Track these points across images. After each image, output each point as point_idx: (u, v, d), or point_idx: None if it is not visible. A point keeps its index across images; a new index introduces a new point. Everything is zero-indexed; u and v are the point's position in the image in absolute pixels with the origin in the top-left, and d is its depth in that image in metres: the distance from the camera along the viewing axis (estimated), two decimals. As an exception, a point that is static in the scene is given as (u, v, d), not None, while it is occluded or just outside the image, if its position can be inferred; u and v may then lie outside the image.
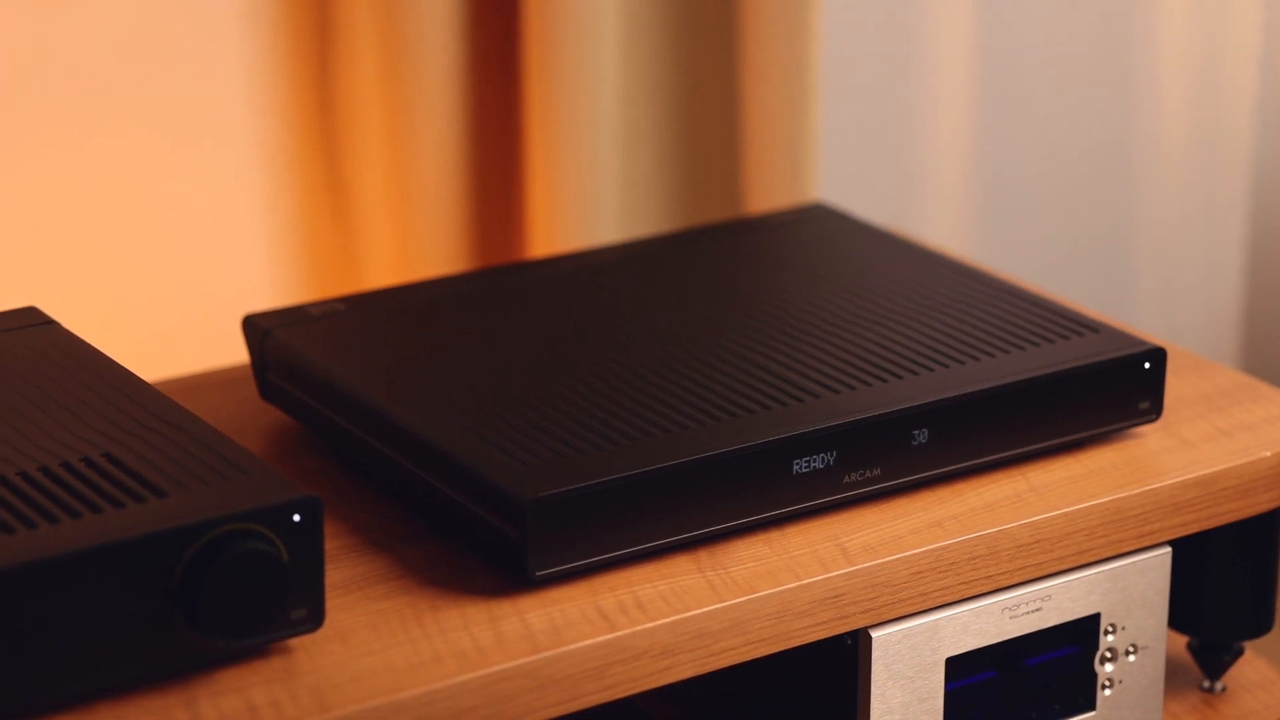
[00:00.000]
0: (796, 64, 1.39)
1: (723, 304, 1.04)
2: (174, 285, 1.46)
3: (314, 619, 0.84)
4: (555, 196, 1.40)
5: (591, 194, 1.40)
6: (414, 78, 1.39)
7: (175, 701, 0.81)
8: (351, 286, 1.49)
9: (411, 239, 1.44)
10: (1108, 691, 0.99)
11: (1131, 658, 0.99)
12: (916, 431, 0.94)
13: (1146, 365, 1.00)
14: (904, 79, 1.55)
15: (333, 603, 0.87)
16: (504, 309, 1.05)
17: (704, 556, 0.91)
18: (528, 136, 1.42)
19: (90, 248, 1.43)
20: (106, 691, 0.80)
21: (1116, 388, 0.99)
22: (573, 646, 0.85)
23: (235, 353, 1.36)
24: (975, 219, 1.61)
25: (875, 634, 0.91)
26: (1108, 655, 0.99)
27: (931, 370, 0.97)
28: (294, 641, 0.84)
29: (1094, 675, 0.99)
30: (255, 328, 1.02)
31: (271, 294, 1.47)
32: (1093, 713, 0.99)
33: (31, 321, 0.98)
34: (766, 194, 1.43)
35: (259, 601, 0.82)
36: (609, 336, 1.01)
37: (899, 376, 0.96)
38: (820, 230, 1.14)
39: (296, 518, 0.83)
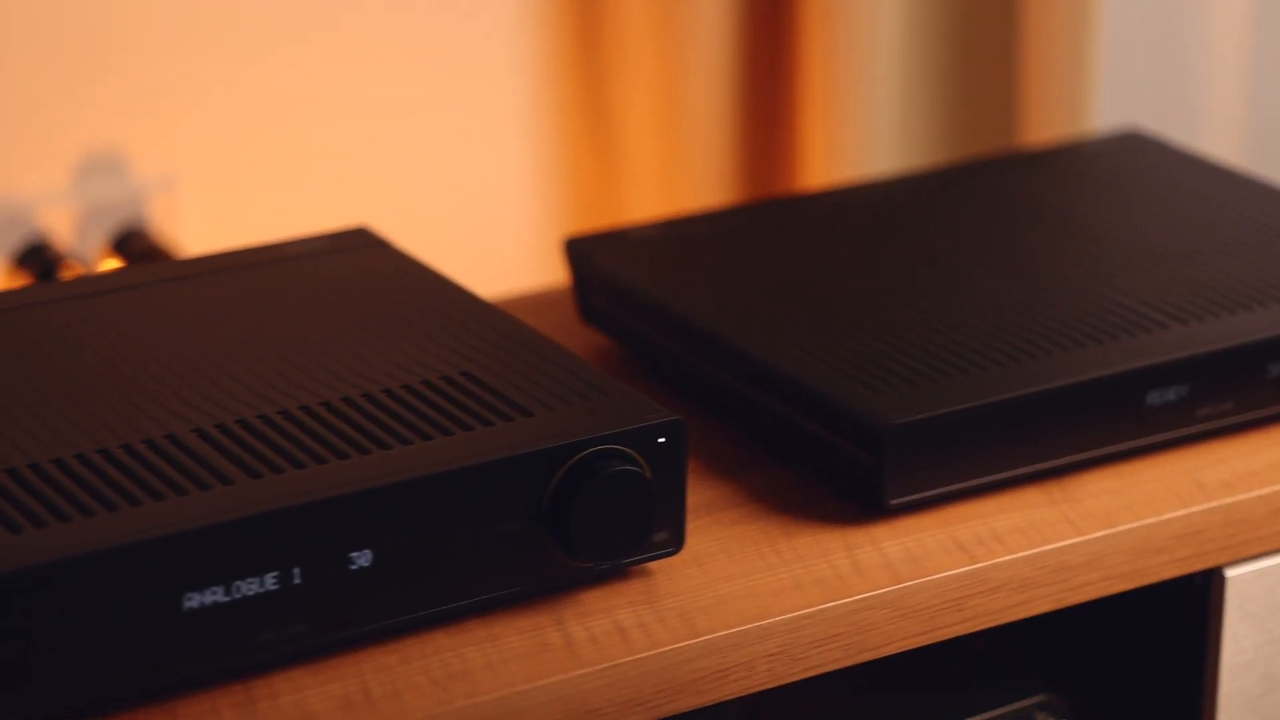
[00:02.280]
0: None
1: (1050, 232, 1.02)
2: (435, 213, 1.46)
3: (675, 542, 0.84)
4: (832, 126, 1.39)
5: (869, 123, 1.38)
6: (686, 3, 1.38)
7: (545, 621, 0.81)
8: (614, 216, 1.48)
9: (678, 168, 1.43)
10: None
11: None
12: (1272, 364, 0.91)
13: None
14: (1182, 3, 1.52)
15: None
16: (821, 235, 1.04)
17: (1055, 489, 0.89)
18: (804, 65, 1.40)
19: (364, 176, 1.43)
20: (478, 608, 0.80)
21: None
22: (933, 577, 0.84)
23: (504, 279, 1.36)
24: (1253, 146, 1.57)
25: (1229, 573, 0.89)
26: None
27: None
28: (653, 565, 0.84)
29: None
30: (578, 250, 1.02)
31: (533, 223, 1.47)
32: None
33: (364, 242, 0.99)
34: (1044, 123, 1.40)
35: (626, 523, 0.81)
36: (938, 263, 0.99)
37: (1248, 308, 0.94)
38: (1139, 158, 1.11)
39: (662, 440, 0.82)
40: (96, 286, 0.95)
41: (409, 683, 0.77)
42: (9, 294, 0.97)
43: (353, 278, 0.95)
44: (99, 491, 0.76)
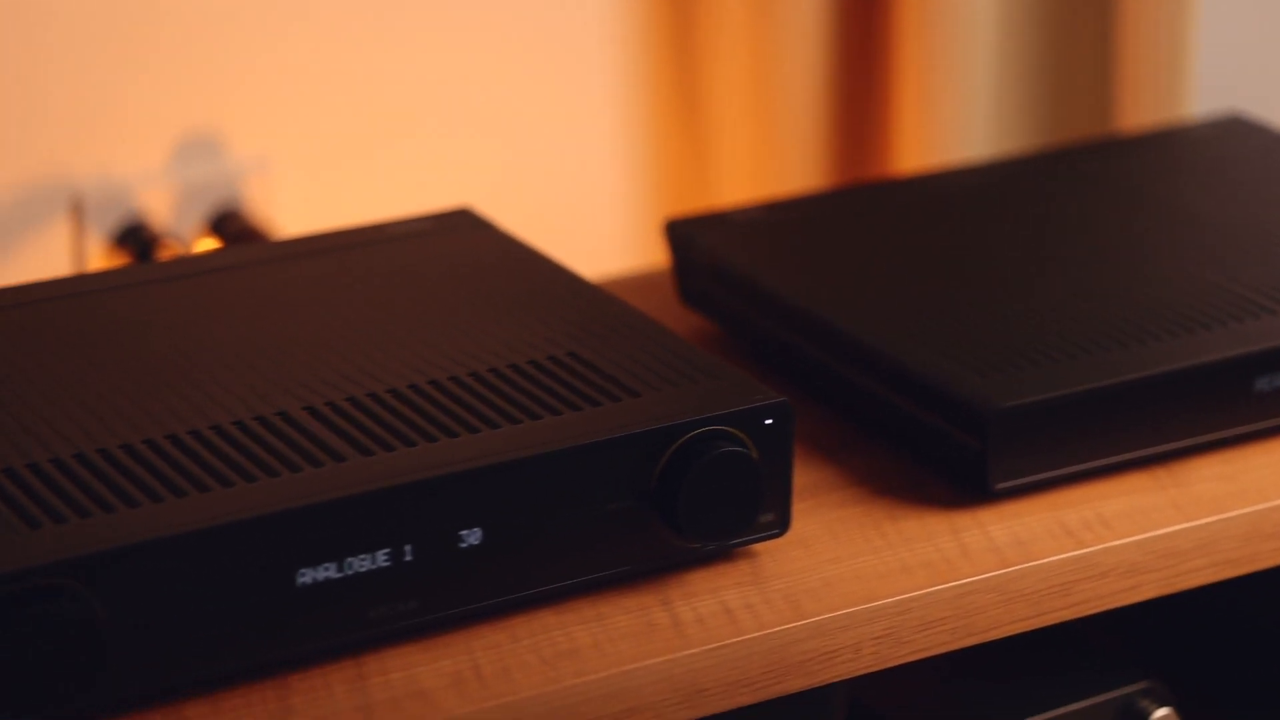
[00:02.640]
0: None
1: (1152, 217, 1.02)
2: (525, 194, 1.46)
3: (780, 524, 0.84)
4: (926, 110, 1.38)
5: (963, 108, 1.38)
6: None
7: (651, 601, 0.81)
8: (704, 200, 1.48)
9: (770, 152, 1.43)
10: None
11: None
12: (1382, 352, 0.91)
13: None
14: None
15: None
16: (922, 219, 1.03)
17: (1162, 474, 0.89)
18: (898, 47, 1.40)
19: (455, 158, 1.44)
20: (585, 587, 0.81)
21: None
22: (1040, 561, 0.83)
23: (593, 261, 1.36)
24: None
25: (1338, 558, 0.89)
26: None
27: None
28: (758, 547, 0.84)
29: None
30: (680, 232, 1.02)
31: (623, 206, 1.47)
32: None
33: (468, 223, 0.99)
34: (1140, 107, 1.39)
35: (733, 504, 0.81)
36: (1040, 248, 0.99)
37: (1357, 295, 0.93)
38: (1241, 143, 1.10)
39: (769, 421, 0.82)
40: (201, 266, 0.96)
41: (518, 660, 0.77)
42: (111, 273, 0.98)
43: (457, 258, 0.95)
44: (214, 468, 0.76)
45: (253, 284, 0.93)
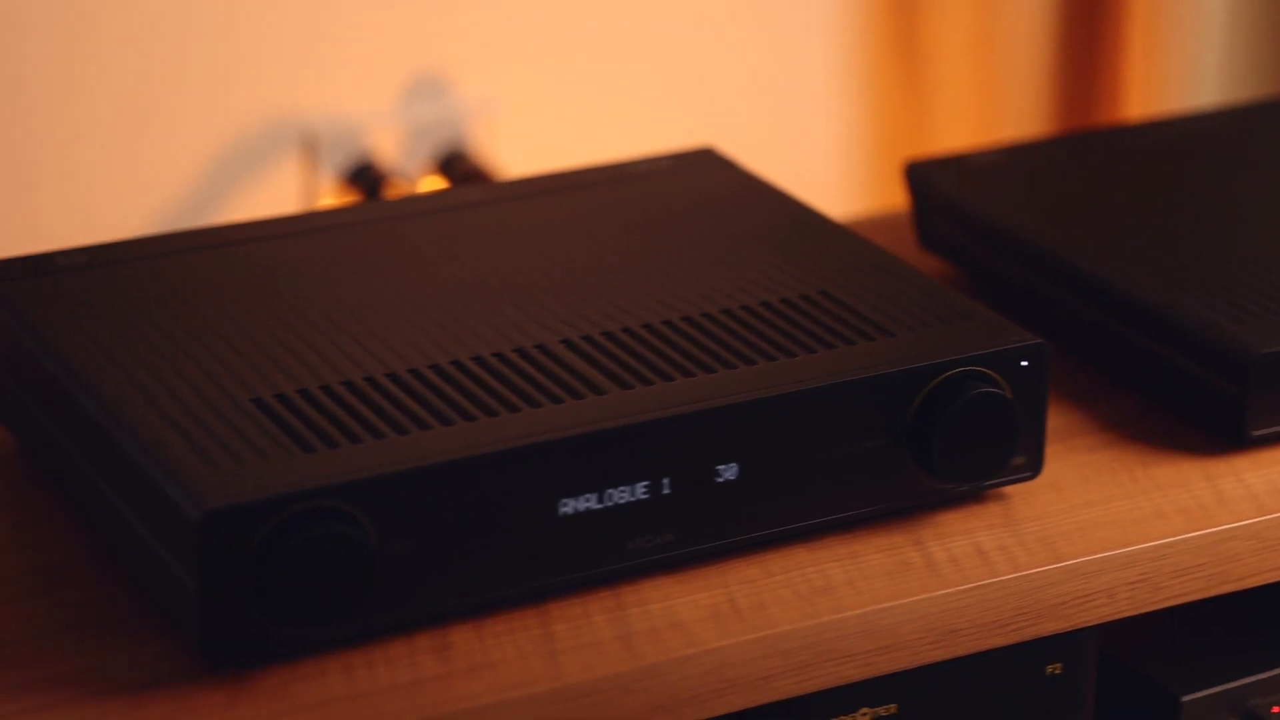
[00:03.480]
0: None
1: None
2: (744, 136, 1.46)
3: (1033, 467, 0.83)
4: (1154, 56, 1.36)
5: (1193, 54, 1.36)
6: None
7: (903, 540, 0.81)
8: (922, 146, 1.47)
9: (991, 97, 1.42)
10: None
11: None
12: None
13: None
14: None
15: (1041, 452, 0.87)
16: (1163, 164, 1.02)
17: None
18: (1127, -7, 1.38)
19: (676, 100, 1.44)
20: (837, 525, 0.81)
21: None
22: (1299, 509, 0.83)
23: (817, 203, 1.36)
24: None
25: None
26: None
27: None
28: (1009, 489, 0.84)
29: None
30: (920, 174, 1.01)
31: (841, 149, 1.47)
32: None
33: (710, 162, 0.99)
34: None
35: (987, 446, 0.81)
36: (1291, 196, 0.97)
37: None
38: None
39: (1024, 363, 0.82)
40: (444, 202, 0.97)
41: (774, 596, 0.78)
42: (354, 209, 0.99)
43: (702, 197, 0.95)
44: (478, 398, 0.77)
45: (497, 220, 0.94)
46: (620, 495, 0.77)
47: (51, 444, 0.82)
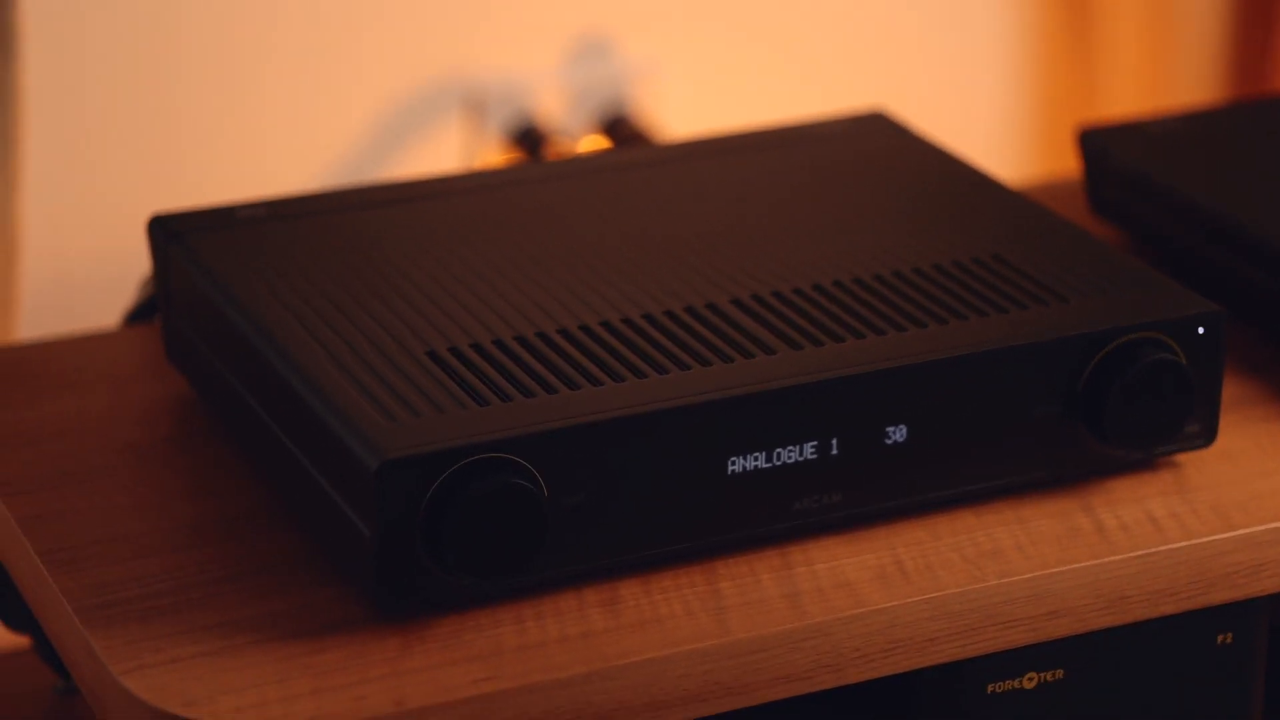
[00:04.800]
0: None
1: None
2: (910, 100, 1.45)
3: (1206, 435, 0.82)
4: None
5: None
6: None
7: (1072, 506, 0.80)
8: (1091, 111, 1.46)
9: (1161, 64, 1.40)
10: None
11: None
12: None
13: None
14: None
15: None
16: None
17: None
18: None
19: (838, 63, 1.44)
20: (1006, 489, 0.81)
21: None
22: None
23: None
24: None
25: None
26: None
27: None
28: (1181, 457, 0.83)
29: None
30: (1095, 140, 1.00)
31: (1007, 114, 1.45)
32: None
33: (882, 126, 0.99)
34: None
35: (1161, 413, 0.80)
36: None
37: None
38: None
39: (1200, 330, 0.81)
40: (614, 161, 0.97)
41: (941, 558, 0.77)
42: (519, 168, 1.00)
43: (873, 160, 0.95)
44: (649, 355, 0.78)
45: (664, 181, 0.94)
46: (789, 455, 0.77)
47: (231, 394, 0.83)
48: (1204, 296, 0.92)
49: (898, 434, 0.79)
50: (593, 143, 1.43)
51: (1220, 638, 0.82)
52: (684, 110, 1.44)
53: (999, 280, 0.84)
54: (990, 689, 0.80)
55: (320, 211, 0.90)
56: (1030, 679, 0.81)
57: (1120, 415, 0.80)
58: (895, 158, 0.96)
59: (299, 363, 0.77)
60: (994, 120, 1.50)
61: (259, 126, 1.36)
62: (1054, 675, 0.81)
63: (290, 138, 1.37)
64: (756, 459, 0.77)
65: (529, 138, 1.40)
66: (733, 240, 0.87)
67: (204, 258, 0.85)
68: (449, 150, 1.40)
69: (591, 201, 0.92)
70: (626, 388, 0.76)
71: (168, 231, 0.87)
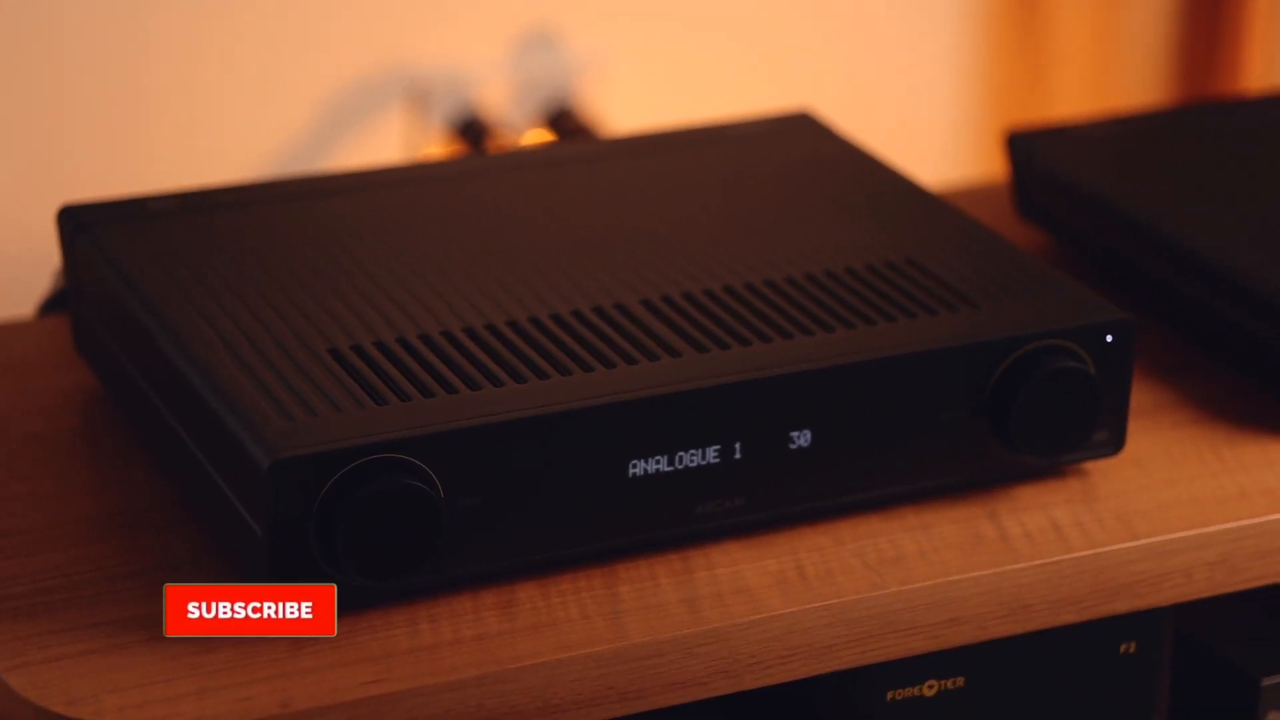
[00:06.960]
0: None
1: None
2: (856, 100, 1.45)
3: (1115, 443, 0.82)
4: (1277, 28, 1.34)
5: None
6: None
7: (977, 513, 0.80)
8: (1039, 112, 1.45)
9: (1111, 66, 1.40)
10: None
11: None
12: None
13: None
14: None
15: (1124, 428, 0.85)
16: (1276, 139, 1.00)
17: None
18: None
19: (785, 60, 1.43)
20: (911, 495, 0.80)
21: None
22: (1386, 496, 0.81)
23: (926, 169, 1.35)
24: None
25: None
26: None
27: None
28: (1089, 464, 0.83)
29: None
30: (1021, 144, 1.00)
31: (954, 115, 1.45)
32: None
33: (806, 127, 0.98)
34: None
35: (1068, 420, 0.80)
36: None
37: None
38: None
39: (1109, 338, 0.81)
40: (539, 158, 0.97)
41: (842, 564, 0.77)
42: (448, 163, 0.99)
43: (795, 161, 0.95)
44: (552, 356, 0.77)
45: (592, 178, 0.94)
46: (691, 458, 0.77)
47: (134, 389, 0.83)
48: (1123, 299, 0.93)
49: (802, 439, 0.78)
50: (536, 136, 1.42)
51: (1124, 647, 0.82)
52: (631, 103, 1.44)
53: (910, 285, 0.83)
54: (890, 696, 0.80)
55: (234, 204, 0.89)
56: (931, 686, 0.80)
57: (1026, 422, 0.79)
58: (816, 159, 0.95)
59: (199, 359, 0.77)
60: (945, 118, 1.50)
61: (197, 115, 1.36)
62: (955, 683, 0.80)
63: (230, 127, 1.36)
64: (658, 462, 0.76)
65: (472, 130, 1.40)
66: (649, 240, 0.87)
67: (110, 249, 0.85)
68: (391, 142, 1.39)
69: (513, 199, 0.91)
70: (528, 388, 0.76)
71: (76, 222, 0.87)
